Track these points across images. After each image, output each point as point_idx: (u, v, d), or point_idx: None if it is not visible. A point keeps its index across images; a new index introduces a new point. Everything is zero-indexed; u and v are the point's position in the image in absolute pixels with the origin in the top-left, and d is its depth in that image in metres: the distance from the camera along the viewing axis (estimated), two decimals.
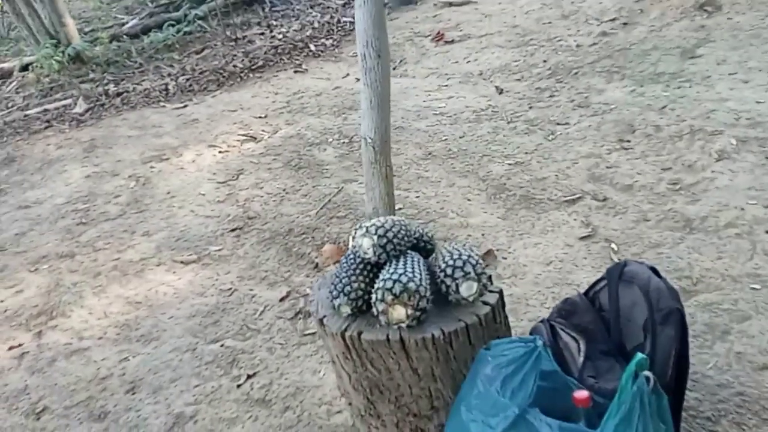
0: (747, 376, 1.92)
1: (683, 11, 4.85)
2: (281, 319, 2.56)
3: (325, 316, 1.59)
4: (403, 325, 1.46)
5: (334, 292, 1.54)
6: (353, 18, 6.56)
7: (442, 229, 2.92)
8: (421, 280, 1.47)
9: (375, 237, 1.53)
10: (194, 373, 2.34)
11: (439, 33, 5.66)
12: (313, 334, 2.44)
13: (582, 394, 1.40)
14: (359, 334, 1.51)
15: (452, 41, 5.51)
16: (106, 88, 5.73)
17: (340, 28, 6.23)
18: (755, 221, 2.60)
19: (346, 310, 1.52)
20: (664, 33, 4.62)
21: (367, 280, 1.55)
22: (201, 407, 2.17)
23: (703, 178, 2.95)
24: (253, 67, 5.61)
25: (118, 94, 5.55)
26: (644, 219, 2.77)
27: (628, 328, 1.63)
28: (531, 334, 1.71)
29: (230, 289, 2.79)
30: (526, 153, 3.48)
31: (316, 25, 6.30)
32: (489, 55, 5.02)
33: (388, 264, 1.55)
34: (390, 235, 1.54)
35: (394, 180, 3.21)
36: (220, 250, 3.08)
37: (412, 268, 1.51)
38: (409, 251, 1.61)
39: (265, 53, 5.80)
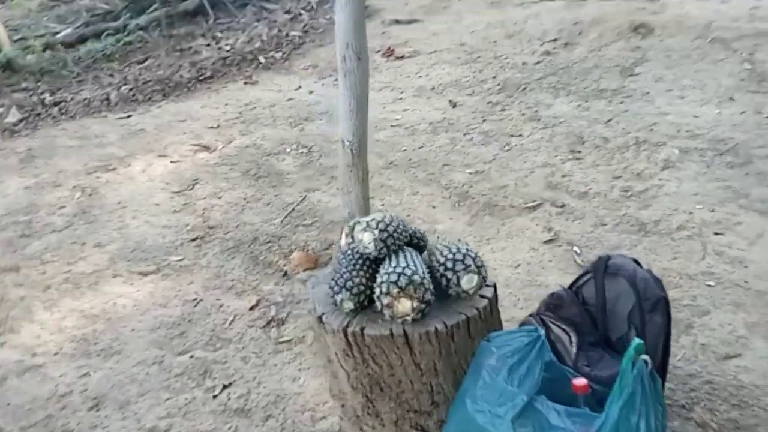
0: (713, 366, 2.04)
1: (619, 33, 5.16)
2: (253, 328, 2.49)
3: (323, 314, 1.57)
4: (408, 318, 1.46)
5: (335, 288, 1.52)
6: (301, 32, 6.59)
7: None
8: (423, 273, 1.48)
9: (376, 231, 1.53)
10: (164, 386, 2.24)
11: (389, 49, 5.75)
12: (289, 341, 2.39)
13: (581, 381, 1.44)
14: (362, 329, 1.50)
15: (403, 57, 5.61)
16: (41, 97, 5.43)
17: (288, 42, 6.22)
18: (703, 224, 2.78)
19: (349, 305, 1.51)
20: (603, 53, 4.91)
21: (368, 275, 1.55)
22: (175, 420, 2.07)
23: (652, 186, 3.14)
24: (201, 78, 5.49)
25: (55, 104, 5.28)
26: (601, 223, 2.91)
27: (613, 320, 1.70)
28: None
29: (195, 299, 2.69)
30: (485, 163, 3.58)
31: (264, 38, 6.25)
32: (440, 71, 5.15)
33: (387, 259, 1.55)
34: (390, 229, 1.55)
35: None
36: (181, 260, 2.97)
37: (414, 261, 1.52)
38: (405, 246, 1.62)
39: (213, 64, 5.69)
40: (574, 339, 1.64)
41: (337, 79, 5.46)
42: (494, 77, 4.83)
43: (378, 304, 1.48)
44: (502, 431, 1.36)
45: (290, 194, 3.46)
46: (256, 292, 2.70)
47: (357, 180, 2.35)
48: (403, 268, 1.46)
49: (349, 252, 1.60)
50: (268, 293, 2.69)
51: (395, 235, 1.56)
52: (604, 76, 4.49)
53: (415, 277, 1.45)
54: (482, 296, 1.57)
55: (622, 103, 4.08)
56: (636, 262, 1.72)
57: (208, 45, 6.27)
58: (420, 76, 5.14)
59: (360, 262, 1.57)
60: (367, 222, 1.55)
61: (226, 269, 2.87)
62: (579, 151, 3.56)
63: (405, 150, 3.85)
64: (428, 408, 1.58)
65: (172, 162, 4.02)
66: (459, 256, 1.53)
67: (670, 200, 2.99)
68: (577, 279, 1.81)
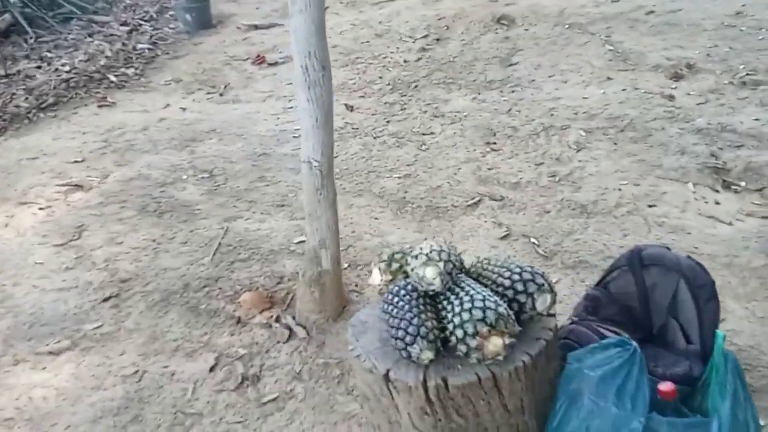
0: None
1: (485, 25, 5.36)
2: (223, 393, 2.12)
3: (389, 370, 1.32)
4: (500, 357, 1.28)
5: (407, 338, 1.29)
6: (149, 44, 5.93)
7: (364, 253, 2.73)
8: (503, 302, 1.31)
9: (441, 264, 1.33)
10: None
11: (259, 56, 5.39)
12: (275, 399, 2.06)
13: (668, 386, 1.38)
14: (444, 380, 1.29)
15: (276, 63, 5.30)
16: None
17: (139, 56, 5.55)
18: (635, 198, 2.94)
19: (428, 355, 1.29)
20: (477, 45, 5.05)
21: (435, 316, 1.34)
22: None
23: (575, 168, 3.26)
24: (42, 106, 4.66)
25: None
26: (545, 211, 2.95)
27: (653, 312, 1.68)
28: (567, 338, 1.65)
29: (136, 371, 2.22)
30: (408, 165, 3.47)
31: (108, 53, 5.50)
32: None
33: (451, 293, 1.35)
34: (453, 259, 1.35)
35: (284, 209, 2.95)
36: (99, 327, 2.45)
37: (485, 292, 1.34)
38: (461, 275, 1.43)
39: (54, 88, 4.87)
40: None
41: (209, 93, 5.02)
42: (381, 77, 4.74)
43: (462, 347, 1.28)
44: None
45: (208, 227, 3.04)
46: (211, 349, 2.31)
47: (328, 204, 2.09)
48: (483, 301, 1.28)
49: (402, 292, 1.37)
50: (226, 347, 2.31)
51: (456, 264, 1.36)
52: (488, 68, 4.61)
53: (502, 310, 1.28)
54: (550, 314, 1.44)
55: (513, 92, 4.21)
56: (667, 249, 1.71)
57: (39, 67, 5.36)
58: None
59: (421, 301, 1.35)
60: (427, 254, 1.34)
61: (162, 328, 2.42)
62: (494, 143, 3.60)
63: None
64: None
65: (40, 209, 3.33)
66: (527, 276, 1.39)
67: (596, 180, 3.12)
68: (605, 275, 1.77)
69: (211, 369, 2.21)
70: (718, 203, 2.88)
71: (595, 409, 1.30)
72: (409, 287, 1.38)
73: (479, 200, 3.07)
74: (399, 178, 3.34)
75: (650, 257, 1.67)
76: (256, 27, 6.26)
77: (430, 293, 1.36)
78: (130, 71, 5.29)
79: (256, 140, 3.93)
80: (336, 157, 3.62)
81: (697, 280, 1.59)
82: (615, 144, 3.42)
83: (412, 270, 1.35)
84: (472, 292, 1.32)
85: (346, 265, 2.62)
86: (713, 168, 3.10)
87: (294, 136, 3.95)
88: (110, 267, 2.79)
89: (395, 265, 1.50)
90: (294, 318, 2.39)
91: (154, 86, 5.09)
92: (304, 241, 2.81)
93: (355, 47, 5.44)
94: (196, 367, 2.22)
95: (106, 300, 2.59)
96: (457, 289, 1.35)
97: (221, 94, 4.86)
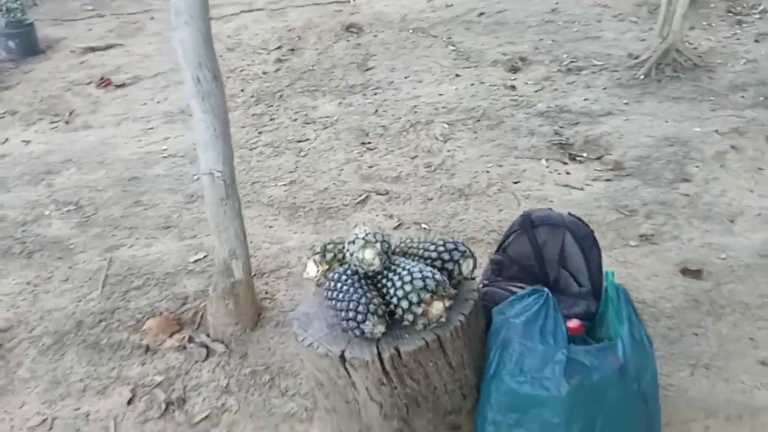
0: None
1: (335, 34, 5.56)
2: (149, 422, 2.03)
3: (343, 351, 1.41)
4: (443, 319, 1.42)
5: (359, 317, 1.38)
6: None
7: (267, 261, 2.74)
8: (436, 272, 1.46)
9: (378, 245, 1.44)
10: None
11: (103, 78, 5.06)
12: (207, 417, 2.02)
13: (575, 322, 1.62)
14: (397, 350, 1.40)
15: (123, 85, 5.02)
16: None
17: None
18: (501, 178, 3.29)
19: (380, 329, 1.39)
20: (332, 53, 5.23)
21: (377, 293, 1.44)
22: None
23: (445, 157, 3.55)
24: None
25: None
26: (428, 199, 3.18)
27: (547, 266, 1.94)
28: (484, 299, 1.84)
29: (44, 420, 2.05)
30: (291, 172, 3.52)
31: None
32: (178, 93, 4.77)
33: (388, 271, 1.47)
34: (387, 239, 1.47)
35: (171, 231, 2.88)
36: None
37: (418, 265, 1.47)
38: (392, 255, 1.55)
39: None
40: None
41: (52, 123, 4.64)
42: (242, 90, 4.71)
43: (409, 316, 1.40)
44: (556, 390, 1.46)
45: (88, 261, 2.84)
46: (123, 382, 2.19)
47: (234, 213, 2.09)
48: (421, 272, 1.42)
49: (344, 277, 1.46)
50: (140, 377, 2.20)
51: (390, 243, 1.48)
52: (347, 74, 4.79)
53: (438, 277, 1.42)
54: (472, 278, 1.62)
55: (376, 94, 4.44)
56: (551, 210, 1.98)
57: None
58: (158, 102, 4.68)
59: (363, 282, 1.45)
60: (363, 238, 1.44)
61: (63, 371, 2.24)
62: (369, 142, 3.78)
63: (198, 179, 3.50)
64: (460, 404, 1.57)
65: None
66: (450, 246, 1.55)
67: (466, 166, 3.43)
68: (503, 241, 1.99)
69: (129, 402, 2.11)
70: (568, 173, 3.31)
71: (524, 350, 1.50)
72: (349, 272, 1.47)
73: (366, 196, 3.22)
74: (285, 185, 3.38)
75: (539, 219, 1.92)
76: (92, 49, 5.85)
77: (370, 274, 1.47)
78: None
79: (121, 165, 3.72)
80: (195, 177, 3.58)
81: (580, 232, 1.87)
82: (475, 133, 3.77)
83: (352, 255, 1.44)
84: (408, 266, 1.45)
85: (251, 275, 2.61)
86: (559, 144, 3.56)
87: (163, 157, 3.81)
88: None
89: (329, 255, 1.58)
90: (208, 335, 2.35)
91: None
92: (201, 259, 2.78)
93: None
94: (111, 403, 2.10)
95: None
96: (393, 267, 1.47)
97: (67, 122, 4.50)
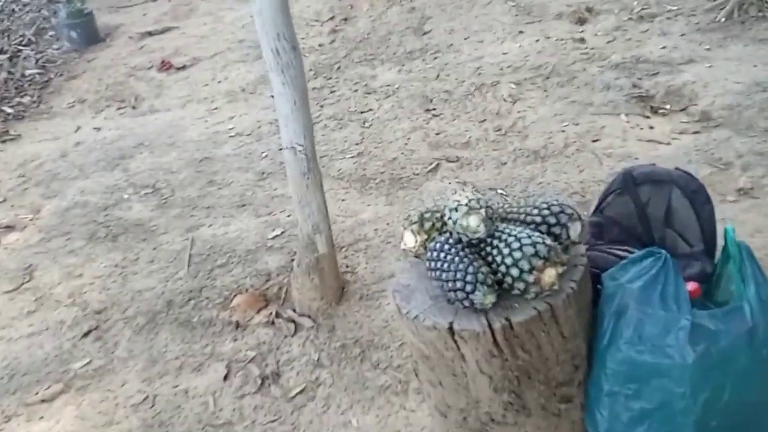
0: None
1: None
2: (246, 397, 2.06)
3: (451, 323, 1.35)
4: (556, 287, 1.34)
5: (468, 287, 1.32)
6: (39, 68, 5.47)
7: (343, 235, 2.72)
8: (546, 237, 1.37)
9: (483, 211, 1.36)
10: None
11: (164, 62, 5.12)
12: (303, 391, 2.04)
13: (693, 285, 1.50)
14: (508, 320, 1.34)
15: (184, 67, 5.06)
16: None
17: (30, 83, 5.12)
18: (579, 136, 3.13)
19: (491, 298, 1.33)
20: (386, 20, 5.09)
21: (484, 262, 1.38)
22: None
23: (516, 119, 3.41)
24: None
25: None
26: (502, 163, 3.07)
27: (653, 225, 1.82)
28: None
29: (146, 397, 2.11)
30: (357, 144, 3.47)
31: None
32: (237, 71, 4.79)
33: (493, 238, 1.40)
34: (491, 204, 1.39)
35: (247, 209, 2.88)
36: (88, 363, 2.29)
37: (526, 230, 1.39)
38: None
39: None
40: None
41: (120, 109, 4.73)
42: None
43: (520, 285, 1.33)
44: (680, 358, 1.36)
45: (171, 242, 2.90)
46: (218, 358, 2.23)
47: (316, 187, 2.07)
48: (530, 237, 1.34)
49: (447, 246, 1.40)
50: (234, 353, 2.24)
51: (494, 208, 1.41)
52: (404, 40, 4.67)
53: (549, 242, 1.34)
54: (580, 241, 1.52)
55: (436, 58, 4.30)
56: (654, 165, 1.85)
57: None
58: (219, 81, 4.71)
59: (468, 251, 1.39)
60: (466, 204, 1.37)
61: (159, 350, 2.30)
62: (434, 109, 3.67)
63: (266, 155, 3.51)
64: (571, 375, 1.50)
65: None
66: (556, 209, 1.45)
67: (540, 126, 3.29)
68: (600, 202, 1.88)
69: (225, 377, 2.14)
70: (651, 128, 3.12)
71: (643, 317, 1.40)
72: (452, 240, 1.41)
73: (437, 164, 3.14)
74: (353, 157, 3.34)
75: (642, 175, 1.79)
76: (149, 34, 5.93)
77: (474, 242, 1.40)
78: (26, 99, 4.86)
79: (192, 146, 3.77)
80: (281, 149, 3.57)
81: (690, 186, 1.73)
82: (545, 91, 3.60)
83: (455, 222, 1.38)
84: (515, 232, 1.37)
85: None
86: (638, 97, 3.35)
87: (230, 136, 3.83)
88: (78, 301, 2.60)
89: (427, 224, 1.52)
90: (295, 310, 2.35)
91: (58, 111, 4.72)
92: (279, 235, 2.78)
93: None
94: (208, 380, 2.14)
95: (86, 335, 2.42)
96: (498, 234, 1.40)
97: (134, 107, 4.59)
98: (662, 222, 1.79)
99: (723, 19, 3.91)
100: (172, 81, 4.88)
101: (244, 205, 3.08)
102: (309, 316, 2.30)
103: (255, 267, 2.61)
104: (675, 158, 2.80)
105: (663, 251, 1.44)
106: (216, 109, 4.26)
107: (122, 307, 2.53)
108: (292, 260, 2.53)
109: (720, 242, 1.65)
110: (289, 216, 2.93)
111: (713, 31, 3.84)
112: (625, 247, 1.73)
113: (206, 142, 3.79)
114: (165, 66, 5.09)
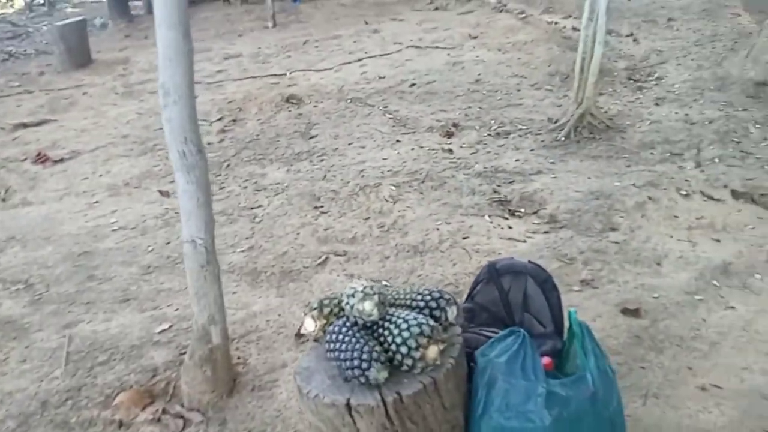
0: None
1: (276, 104, 5.78)
2: None
3: (349, 399, 1.50)
4: (438, 362, 1.55)
5: (363, 365, 1.49)
6: None
7: (235, 327, 2.77)
8: (428, 318, 1.60)
9: (376, 297, 1.56)
10: None
11: (40, 154, 4.98)
12: None
13: (547, 359, 1.81)
14: (399, 394, 1.51)
15: (62, 160, 4.95)
16: None
17: None
18: (451, 234, 3.51)
19: (384, 374, 1.50)
20: (274, 123, 5.42)
21: (376, 342, 1.56)
22: None
23: (397, 218, 3.75)
24: None
25: None
26: (385, 257, 3.34)
27: (513, 310, 2.13)
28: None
29: None
30: (248, 238, 3.59)
31: None
32: (120, 165, 4.78)
33: (384, 320, 1.60)
34: (383, 290, 1.60)
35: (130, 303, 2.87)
36: None
37: (411, 313, 1.61)
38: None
39: None
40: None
41: None
42: None
43: (408, 361, 1.53)
44: (540, 421, 1.61)
45: (45, 339, 2.76)
46: None
47: (213, 279, 2.15)
48: (416, 318, 1.56)
49: (345, 328, 1.57)
50: None
51: (385, 294, 1.62)
52: (292, 142, 4.98)
53: (432, 323, 1.56)
54: (455, 323, 1.77)
55: (322, 160, 4.63)
56: (512, 258, 2.18)
57: None
58: (100, 175, 4.66)
59: (362, 332, 1.57)
60: (362, 291, 1.57)
61: None
62: (322, 206, 3.92)
63: (151, 250, 3.50)
64: None
65: None
66: (436, 295, 1.70)
67: (418, 225, 3.64)
68: (471, 291, 2.17)
69: None
70: (510, 227, 3.59)
71: (509, 387, 1.65)
72: (348, 323, 1.58)
73: (326, 258, 3.34)
74: (243, 251, 3.44)
75: (504, 267, 2.12)
76: (24, 125, 5.76)
77: (368, 324, 1.59)
78: None
79: (69, 240, 3.65)
80: (168, 243, 3.59)
81: (541, 276, 2.08)
82: (421, 193, 4.01)
83: (352, 307, 1.56)
84: (402, 315, 1.59)
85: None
86: (498, 201, 3.85)
87: (112, 230, 3.78)
88: None
89: (326, 310, 1.68)
90: (183, 405, 2.33)
91: None
92: (166, 330, 2.77)
93: (149, 135, 5.39)
94: None
95: None
96: (388, 317, 1.60)
97: (4, 200, 4.38)
98: (521, 306, 2.11)
99: (563, 138, 4.66)
100: (47, 174, 4.74)
101: (127, 300, 3.03)
102: (199, 410, 2.29)
103: (140, 363, 2.56)
104: (529, 253, 3.24)
105: (521, 330, 1.72)
106: (97, 202, 4.19)
107: None
108: (181, 354, 2.53)
109: (567, 324, 1.98)
110: (176, 310, 2.93)
111: (556, 147, 4.55)
112: (492, 329, 2.01)
113: (86, 236, 3.70)
114: (41, 158, 4.94)
